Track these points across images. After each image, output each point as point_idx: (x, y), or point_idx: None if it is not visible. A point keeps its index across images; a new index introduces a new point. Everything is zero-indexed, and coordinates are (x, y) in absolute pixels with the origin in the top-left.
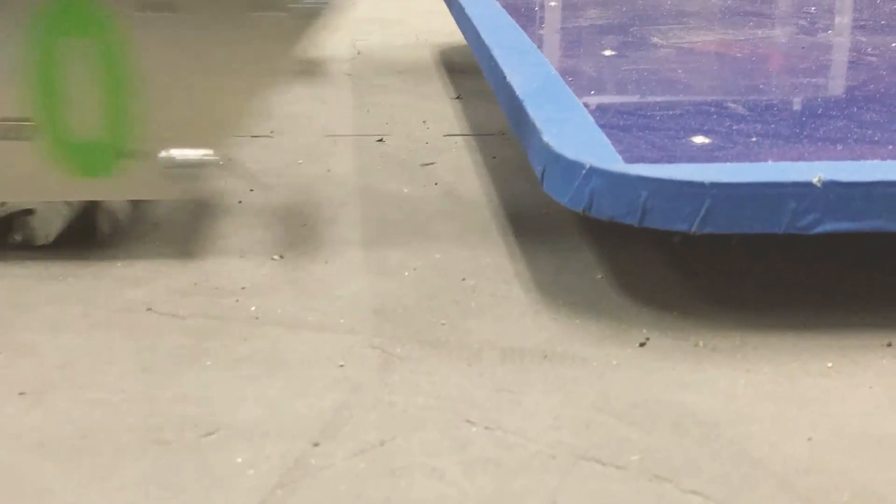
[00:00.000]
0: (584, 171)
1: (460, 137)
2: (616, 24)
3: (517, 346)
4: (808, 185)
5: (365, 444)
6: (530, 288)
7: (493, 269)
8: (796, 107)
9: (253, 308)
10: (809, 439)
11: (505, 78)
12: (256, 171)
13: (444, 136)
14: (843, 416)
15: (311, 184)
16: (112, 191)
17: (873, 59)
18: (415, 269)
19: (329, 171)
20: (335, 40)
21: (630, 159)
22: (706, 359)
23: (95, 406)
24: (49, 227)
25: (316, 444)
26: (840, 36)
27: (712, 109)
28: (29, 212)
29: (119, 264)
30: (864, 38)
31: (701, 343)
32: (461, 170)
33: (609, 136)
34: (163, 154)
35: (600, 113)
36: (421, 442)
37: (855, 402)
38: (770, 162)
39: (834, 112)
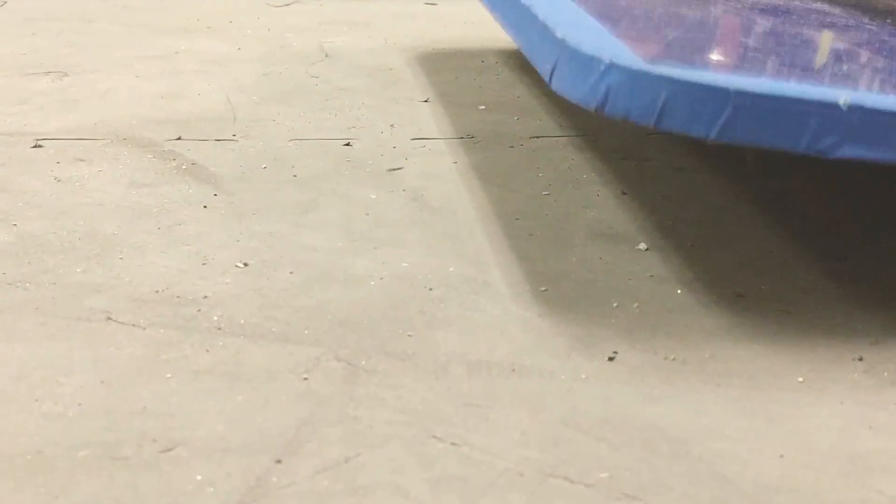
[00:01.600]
0: (602, 67)
1: (428, 141)
2: None
3: (485, 359)
4: (834, 105)
5: (328, 460)
6: (499, 299)
7: (462, 279)
8: (826, 35)
9: (215, 318)
10: (781, 456)
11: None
12: (220, 176)
13: (412, 139)
14: (815, 432)
15: (276, 189)
16: None
17: None
18: (381, 279)
19: (295, 175)
20: (302, 42)
21: (649, 63)
22: (676, 373)
23: (52, 420)
24: None
25: (278, 461)
26: None
27: (741, 36)
28: None
29: (78, 270)
30: None
31: (671, 357)
32: (429, 175)
33: (627, 44)
34: None
35: (616, 28)
36: (386, 458)
37: (826, 418)
38: (795, 82)
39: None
